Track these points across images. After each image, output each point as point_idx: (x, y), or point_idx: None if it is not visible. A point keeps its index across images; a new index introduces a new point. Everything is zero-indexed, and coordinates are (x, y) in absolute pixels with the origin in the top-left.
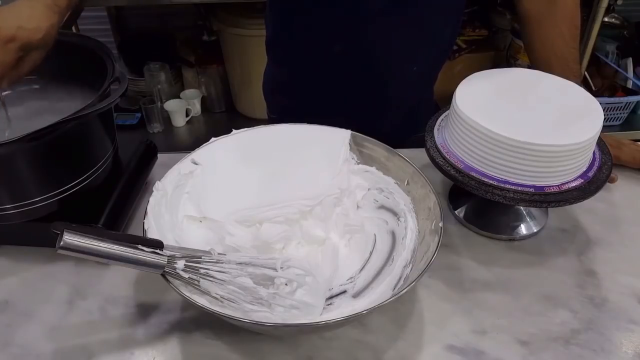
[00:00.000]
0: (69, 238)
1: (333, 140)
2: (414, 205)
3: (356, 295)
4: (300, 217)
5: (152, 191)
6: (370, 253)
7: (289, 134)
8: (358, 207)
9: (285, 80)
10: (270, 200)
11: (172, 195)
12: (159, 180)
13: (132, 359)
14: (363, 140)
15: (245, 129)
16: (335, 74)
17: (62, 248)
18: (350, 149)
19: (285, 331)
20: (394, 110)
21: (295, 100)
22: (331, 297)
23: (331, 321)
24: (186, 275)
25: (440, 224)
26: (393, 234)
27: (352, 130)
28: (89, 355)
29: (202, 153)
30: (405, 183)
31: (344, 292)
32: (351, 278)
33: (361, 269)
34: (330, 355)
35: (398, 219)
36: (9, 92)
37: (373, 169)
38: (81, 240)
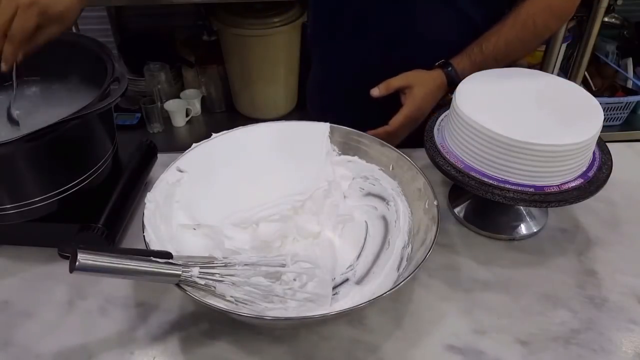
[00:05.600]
0: (84, 258)
1: (313, 135)
2: (402, 188)
3: (359, 282)
4: (293, 213)
5: (145, 204)
6: (365, 240)
7: (269, 133)
8: (345, 197)
9: (320, 78)
10: (262, 200)
11: (164, 206)
12: (149, 192)
13: (132, 359)
14: (341, 131)
15: (225, 131)
16: (366, 67)
17: (78, 269)
18: (330, 141)
19: (312, 322)
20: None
21: (330, 97)
22: (335, 287)
23: (360, 305)
24: (202, 282)
25: (435, 202)
26: (384, 219)
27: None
28: (89, 355)
29: (186, 160)
30: (390, 168)
31: (347, 280)
32: (350, 266)
33: (358, 256)
34: (330, 354)
35: (387, 203)
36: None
37: (355, 158)
38: (96, 260)
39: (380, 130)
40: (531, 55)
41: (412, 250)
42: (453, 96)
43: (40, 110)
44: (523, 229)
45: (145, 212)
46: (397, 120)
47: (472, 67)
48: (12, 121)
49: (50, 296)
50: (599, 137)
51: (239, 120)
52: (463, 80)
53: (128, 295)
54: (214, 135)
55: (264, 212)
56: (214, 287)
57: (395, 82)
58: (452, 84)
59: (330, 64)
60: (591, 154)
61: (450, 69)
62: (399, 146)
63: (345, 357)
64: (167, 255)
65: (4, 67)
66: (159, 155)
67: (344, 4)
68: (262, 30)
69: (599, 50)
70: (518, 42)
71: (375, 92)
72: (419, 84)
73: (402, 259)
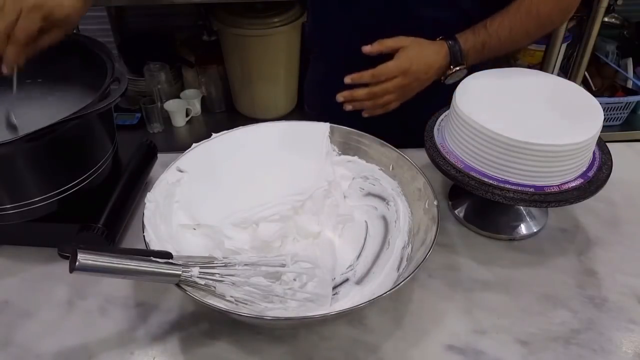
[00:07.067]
0: (84, 258)
1: (313, 135)
2: (402, 188)
3: (359, 282)
4: (293, 213)
5: (145, 204)
6: (365, 240)
7: (269, 133)
8: (345, 197)
9: (319, 78)
10: (262, 200)
11: (164, 206)
12: (149, 191)
13: (132, 359)
14: (341, 131)
15: (225, 131)
16: (365, 67)
17: (78, 269)
18: (330, 141)
19: (312, 322)
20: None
21: (328, 97)
22: (335, 287)
23: (360, 305)
24: (202, 282)
25: (435, 202)
26: (384, 219)
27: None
28: (89, 355)
29: (186, 160)
30: (390, 168)
31: (347, 280)
32: (350, 266)
33: (358, 256)
34: (330, 354)
35: (387, 203)
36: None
37: (355, 158)
38: (96, 260)
39: (366, 72)
40: (531, 55)
41: (412, 250)
42: (453, 96)
43: (39, 110)
44: (523, 229)
45: (145, 212)
46: (384, 66)
47: (475, 40)
48: (11, 127)
49: (50, 296)
50: (599, 137)
51: (239, 120)
52: (463, 80)
53: (128, 295)
54: (214, 135)
55: (264, 212)
56: (214, 287)
57: (390, 41)
58: (455, 58)
59: (328, 64)
60: (591, 154)
61: (452, 42)
62: (399, 146)
63: (345, 357)
64: (167, 255)
65: (5, 70)
66: (159, 155)
67: (343, 3)
68: (262, 30)
69: (599, 50)
70: (521, 29)
71: (367, 48)
72: (415, 44)
73: (402, 259)
